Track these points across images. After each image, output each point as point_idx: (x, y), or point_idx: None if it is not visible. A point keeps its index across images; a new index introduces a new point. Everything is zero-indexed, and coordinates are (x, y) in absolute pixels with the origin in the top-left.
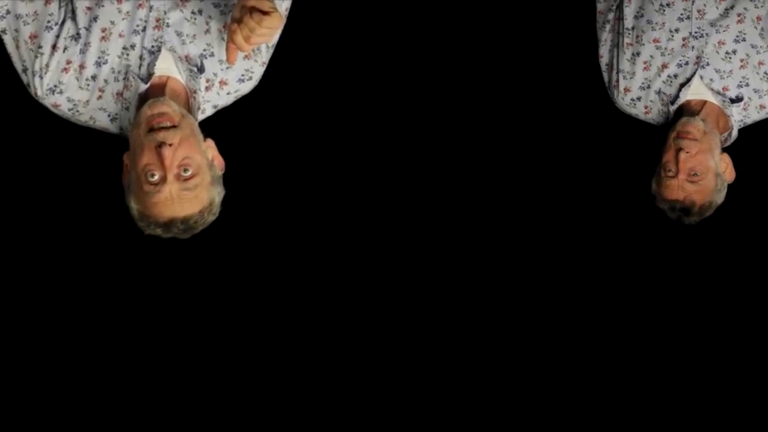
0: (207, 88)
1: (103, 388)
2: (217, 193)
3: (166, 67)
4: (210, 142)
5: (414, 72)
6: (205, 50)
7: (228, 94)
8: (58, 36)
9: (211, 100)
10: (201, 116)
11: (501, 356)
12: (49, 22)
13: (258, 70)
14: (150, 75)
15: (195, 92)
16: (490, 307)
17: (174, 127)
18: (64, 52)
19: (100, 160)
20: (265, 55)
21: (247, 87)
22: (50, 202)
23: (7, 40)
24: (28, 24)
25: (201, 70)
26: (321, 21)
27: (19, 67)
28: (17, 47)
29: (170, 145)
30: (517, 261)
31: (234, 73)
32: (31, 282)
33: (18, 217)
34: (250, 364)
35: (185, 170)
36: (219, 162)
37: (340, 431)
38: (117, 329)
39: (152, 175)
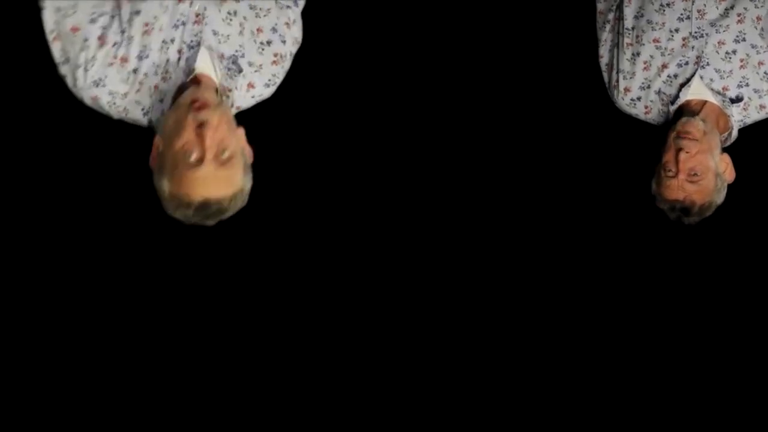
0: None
1: (109, 384)
2: (248, 181)
3: (204, 65)
4: (241, 131)
5: (414, 72)
6: (237, 51)
7: (252, 97)
8: (105, 28)
9: (235, 101)
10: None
11: (501, 356)
12: (93, 14)
13: (281, 77)
14: (191, 70)
15: (229, 91)
16: (490, 306)
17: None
18: (113, 46)
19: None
20: (288, 62)
21: (269, 92)
22: (52, 200)
23: (49, 33)
24: (69, 16)
25: (240, 69)
26: (321, 21)
27: (58, 57)
28: (56, 38)
29: (212, 125)
30: (518, 260)
31: (262, 78)
32: (31, 281)
33: (20, 214)
34: (252, 364)
35: (223, 152)
36: (248, 151)
37: (340, 431)
38: (123, 327)
39: (190, 155)
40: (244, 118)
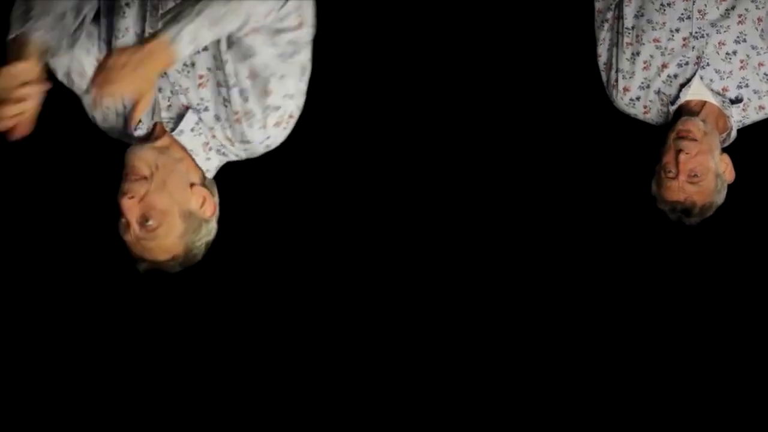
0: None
1: (109, 384)
2: (198, 238)
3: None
4: (197, 190)
5: (414, 72)
6: (198, 105)
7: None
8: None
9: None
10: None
11: (501, 356)
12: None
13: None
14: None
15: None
16: (490, 306)
17: (144, 178)
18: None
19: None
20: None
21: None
22: (51, 200)
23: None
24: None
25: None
26: (322, 21)
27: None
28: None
29: (131, 197)
30: (518, 260)
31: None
32: (30, 281)
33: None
34: (251, 364)
35: (147, 220)
36: (209, 208)
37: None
38: (123, 327)
39: (123, 220)
40: None
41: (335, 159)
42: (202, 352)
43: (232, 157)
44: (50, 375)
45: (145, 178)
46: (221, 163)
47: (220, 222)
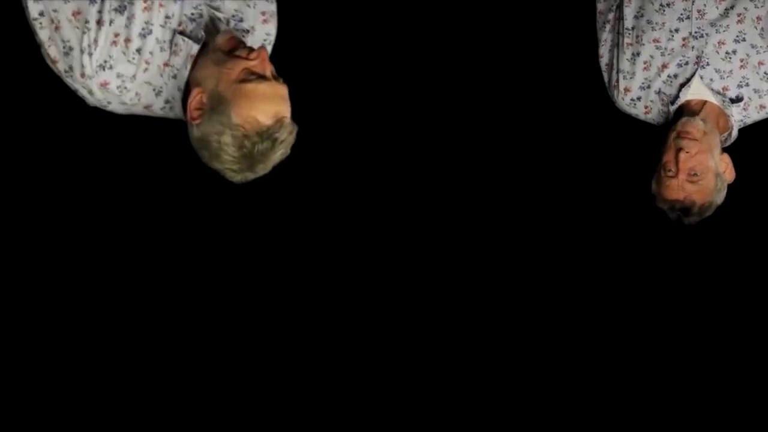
0: None
1: (110, 383)
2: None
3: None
4: None
5: (414, 72)
6: (234, 15)
7: None
8: (101, 10)
9: None
10: None
11: (501, 356)
12: None
13: (274, 35)
14: (201, 38)
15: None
16: (490, 306)
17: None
18: (110, 25)
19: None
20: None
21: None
22: (50, 199)
23: (44, 23)
24: (69, 1)
25: (246, 30)
26: (321, 21)
27: (58, 51)
28: (57, 28)
29: (264, 51)
30: (518, 260)
31: (256, 39)
32: (30, 280)
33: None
34: (252, 363)
35: (277, 77)
36: None
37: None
38: (123, 326)
39: (253, 74)
40: None
41: (336, 159)
42: (203, 352)
43: None
44: (50, 374)
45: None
46: None
47: (220, 222)
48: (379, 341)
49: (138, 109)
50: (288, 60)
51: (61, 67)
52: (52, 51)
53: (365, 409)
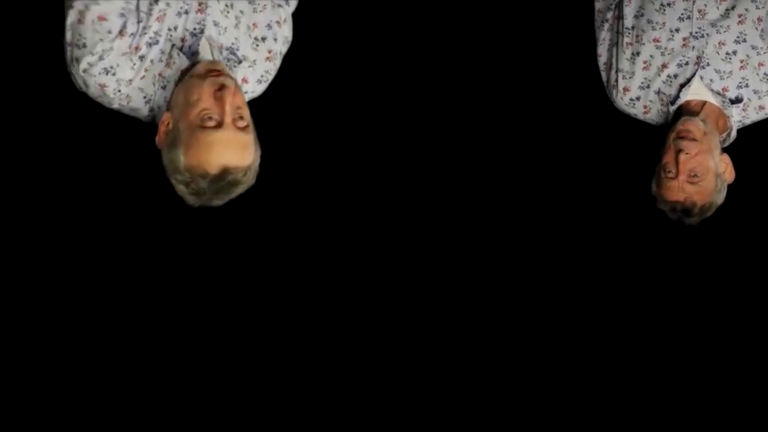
0: None
1: (110, 383)
2: (258, 157)
3: (204, 55)
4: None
5: (414, 72)
6: (233, 44)
7: (245, 93)
8: (125, 24)
9: None
10: None
11: (501, 356)
12: (123, 9)
13: (272, 75)
14: (194, 54)
15: None
16: (490, 306)
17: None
18: (129, 37)
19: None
20: (279, 61)
21: (261, 89)
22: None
23: (72, 13)
24: (99, 4)
25: (239, 60)
26: (322, 20)
27: (70, 38)
28: (81, 21)
29: (230, 89)
30: (518, 260)
31: (255, 73)
32: (30, 279)
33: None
34: (251, 363)
35: (241, 117)
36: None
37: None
38: (122, 325)
39: (209, 119)
40: None
41: (336, 159)
42: (202, 352)
43: None
44: (51, 374)
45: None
46: None
47: (219, 222)
48: (379, 341)
49: (125, 110)
50: (288, 60)
51: (69, 54)
52: (69, 36)
53: (365, 409)
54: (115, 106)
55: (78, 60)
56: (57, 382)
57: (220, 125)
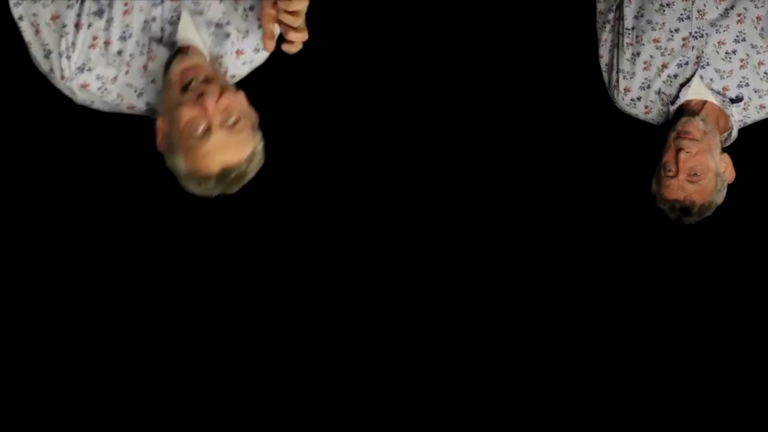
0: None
1: (111, 382)
2: (259, 139)
3: (189, 37)
4: (241, 94)
5: (414, 72)
6: (220, 19)
7: (243, 64)
8: (79, 14)
9: (228, 69)
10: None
11: (501, 356)
12: (69, 0)
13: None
14: (173, 43)
15: (220, 57)
16: (490, 306)
17: (209, 80)
18: (88, 28)
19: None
20: (276, 27)
21: (260, 57)
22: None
23: (25, 27)
24: (48, 5)
25: (227, 34)
26: (322, 19)
27: (40, 53)
28: (37, 32)
29: (210, 93)
30: (518, 260)
31: (250, 43)
32: (29, 278)
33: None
34: (251, 363)
35: (228, 118)
36: (252, 113)
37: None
38: (122, 324)
39: (197, 129)
40: None
41: (336, 159)
42: (202, 352)
43: None
44: (51, 373)
45: (210, 79)
46: None
47: (219, 223)
48: (379, 341)
49: (123, 109)
50: (288, 60)
51: (44, 68)
52: (34, 52)
53: (364, 409)
54: (110, 104)
55: (53, 70)
56: (57, 381)
57: (209, 130)
